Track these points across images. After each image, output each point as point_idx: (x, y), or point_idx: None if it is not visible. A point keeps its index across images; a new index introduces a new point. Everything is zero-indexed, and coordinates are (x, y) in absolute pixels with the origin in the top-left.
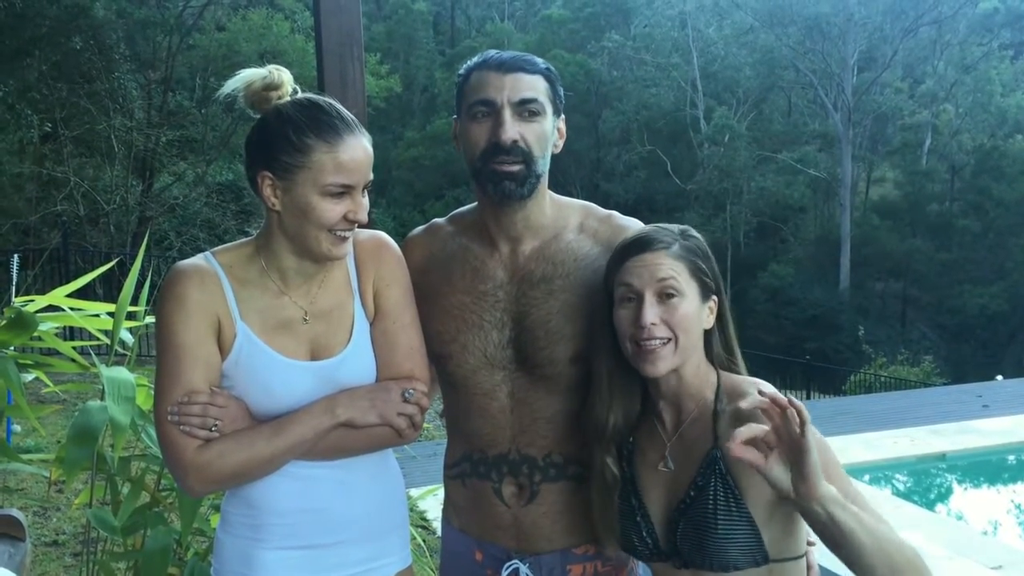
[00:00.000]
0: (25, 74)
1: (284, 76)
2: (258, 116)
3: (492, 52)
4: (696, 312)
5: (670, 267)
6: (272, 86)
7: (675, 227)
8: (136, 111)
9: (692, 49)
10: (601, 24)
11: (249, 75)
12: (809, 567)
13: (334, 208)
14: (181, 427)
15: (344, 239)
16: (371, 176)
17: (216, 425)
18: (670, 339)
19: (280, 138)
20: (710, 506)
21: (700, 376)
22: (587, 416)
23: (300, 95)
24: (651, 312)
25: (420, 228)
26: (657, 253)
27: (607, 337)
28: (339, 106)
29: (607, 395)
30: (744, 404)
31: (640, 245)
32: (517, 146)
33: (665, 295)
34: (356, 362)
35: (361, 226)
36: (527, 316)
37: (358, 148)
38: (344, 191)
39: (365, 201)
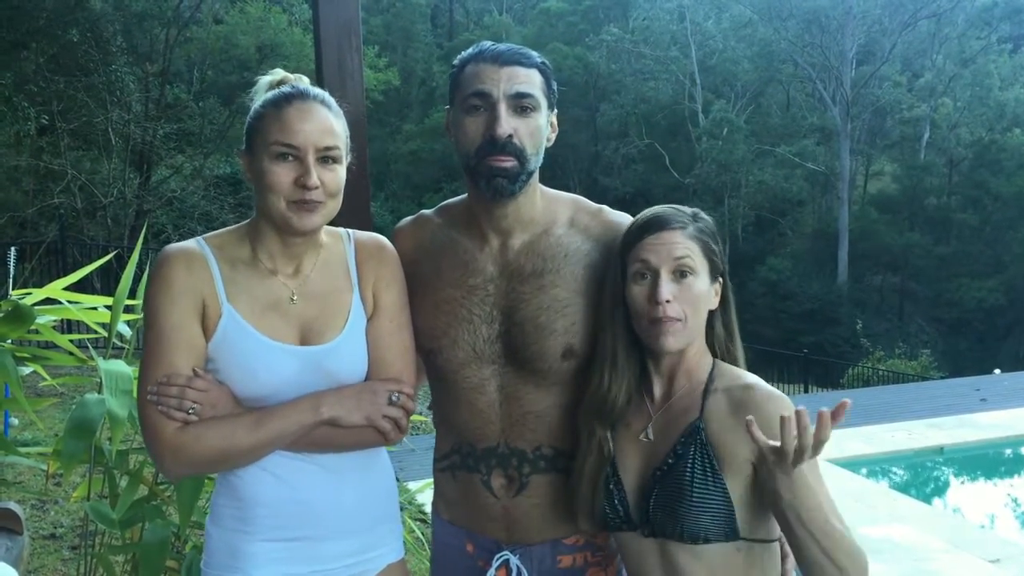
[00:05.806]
0: (22, 66)
1: (291, 77)
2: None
3: (487, 43)
4: (706, 292)
5: (686, 246)
6: (280, 82)
7: (687, 208)
8: (133, 104)
9: (691, 42)
10: (599, 17)
11: (267, 78)
12: (785, 556)
13: (282, 171)
14: (159, 407)
15: (304, 209)
16: (327, 143)
17: (194, 409)
18: (682, 318)
19: (250, 116)
20: (687, 475)
21: (698, 357)
22: (594, 394)
23: None
24: (667, 289)
25: (408, 219)
26: (674, 232)
27: (618, 315)
28: (307, 82)
29: (615, 373)
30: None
31: (658, 223)
32: (512, 142)
33: (680, 273)
34: (348, 352)
35: (327, 195)
36: (517, 311)
37: (307, 111)
38: (289, 152)
39: (332, 173)
